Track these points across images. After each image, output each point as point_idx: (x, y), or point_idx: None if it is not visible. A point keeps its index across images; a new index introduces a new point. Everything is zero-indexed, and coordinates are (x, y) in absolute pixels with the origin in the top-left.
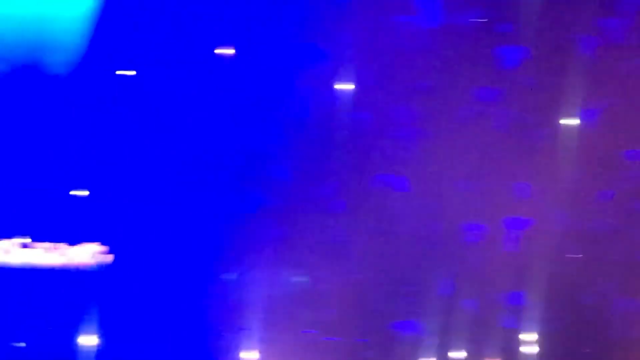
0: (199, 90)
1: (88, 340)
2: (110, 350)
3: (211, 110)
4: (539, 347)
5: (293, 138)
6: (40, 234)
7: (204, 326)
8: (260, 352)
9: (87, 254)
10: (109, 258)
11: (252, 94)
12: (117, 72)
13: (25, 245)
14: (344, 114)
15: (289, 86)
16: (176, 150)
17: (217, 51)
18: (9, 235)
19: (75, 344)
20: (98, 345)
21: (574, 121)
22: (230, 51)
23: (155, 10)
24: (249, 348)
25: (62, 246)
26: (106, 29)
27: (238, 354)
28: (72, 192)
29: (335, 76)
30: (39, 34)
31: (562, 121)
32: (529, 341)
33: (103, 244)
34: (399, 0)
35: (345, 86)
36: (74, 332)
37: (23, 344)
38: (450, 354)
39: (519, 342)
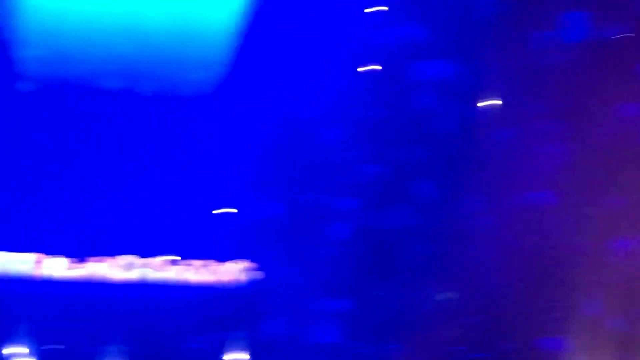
0: (343, 107)
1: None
2: None
3: (357, 127)
4: None
5: (439, 155)
6: (189, 252)
7: (351, 341)
8: None
9: (236, 271)
10: (258, 275)
11: (398, 111)
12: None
13: (175, 263)
14: (490, 130)
15: (435, 103)
16: (322, 168)
17: (361, 69)
18: (158, 253)
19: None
20: None
21: None
22: (376, 67)
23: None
24: None
25: (212, 263)
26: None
27: None
28: (218, 211)
29: (482, 92)
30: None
31: None
32: None
33: (251, 261)
34: (544, 16)
35: (491, 102)
36: (223, 347)
37: None
38: None
39: None
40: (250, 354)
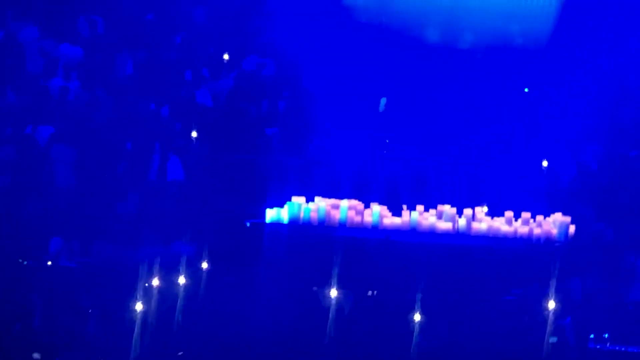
0: None
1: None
2: None
3: None
4: None
5: None
6: (504, 205)
7: None
8: None
9: (552, 224)
10: (572, 229)
11: None
12: None
13: (489, 214)
14: None
15: None
16: None
17: None
18: (476, 205)
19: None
20: None
21: None
22: None
23: None
24: None
25: (526, 216)
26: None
27: None
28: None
29: None
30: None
31: None
32: None
33: (566, 215)
34: None
35: None
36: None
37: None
38: None
39: None
40: (562, 310)
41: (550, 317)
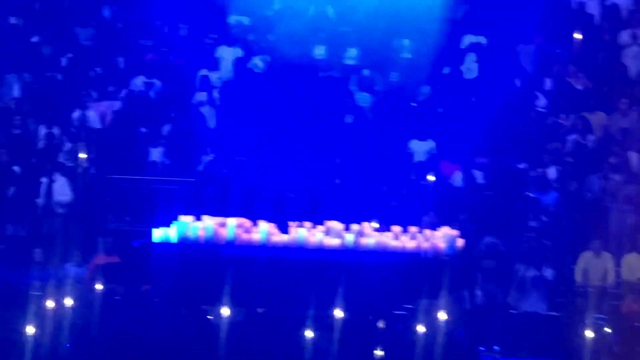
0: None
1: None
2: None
3: (562, 97)
4: None
5: None
6: (391, 219)
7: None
8: None
9: (441, 238)
10: (460, 243)
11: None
12: None
13: (377, 229)
14: None
15: None
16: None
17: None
18: (361, 220)
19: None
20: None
21: None
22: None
23: None
24: None
25: (414, 230)
26: None
27: None
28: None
29: None
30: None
31: None
32: None
33: (454, 228)
34: None
35: None
36: (424, 314)
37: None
38: None
39: None
40: (452, 323)
41: (442, 329)
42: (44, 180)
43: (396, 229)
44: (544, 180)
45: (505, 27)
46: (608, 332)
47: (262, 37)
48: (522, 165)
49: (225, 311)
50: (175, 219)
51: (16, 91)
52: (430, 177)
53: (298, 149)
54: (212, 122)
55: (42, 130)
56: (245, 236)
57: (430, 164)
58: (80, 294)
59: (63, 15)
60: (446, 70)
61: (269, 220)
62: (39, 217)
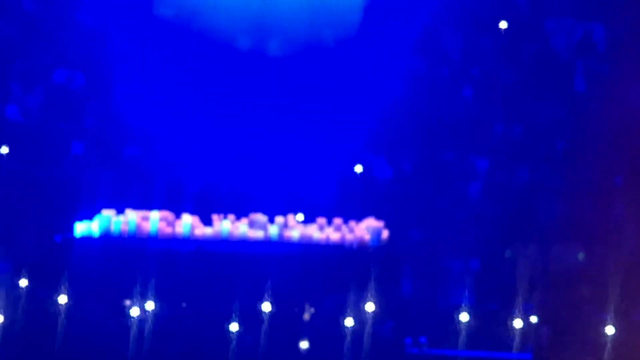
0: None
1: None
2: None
3: (489, 85)
4: None
5: (574, 112)
6: (316, 211)
7: (480, 302)
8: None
9: (365, 229)
10: (385, 234)
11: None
12: None
13: (301, 221)
14: (622, 88)
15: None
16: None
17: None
18: (287, 212)
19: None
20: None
21: None
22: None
23: None
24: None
25: (338, 222)
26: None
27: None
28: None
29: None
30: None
31: None
32: None
33: (379, 219)
34: None
35: None
36: (349, 307)
37: None
38: None
39: None
40: (378, 315)
41: (368, 322)
42: None
43: (321, 220)
44: (470, 170)
45: (432, 15)
46: (536, 323)
47: (187, 29)
48: (448, 155)
49: (149, 306)
50: (98, 212)
51: None
52: (357, 168)
53: (221, 140)
54: (135, 115)
55: None
56: (168, 229)
57: (356, 154)
58: (3, 291)
59: None
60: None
61: (192, 212)
62: None
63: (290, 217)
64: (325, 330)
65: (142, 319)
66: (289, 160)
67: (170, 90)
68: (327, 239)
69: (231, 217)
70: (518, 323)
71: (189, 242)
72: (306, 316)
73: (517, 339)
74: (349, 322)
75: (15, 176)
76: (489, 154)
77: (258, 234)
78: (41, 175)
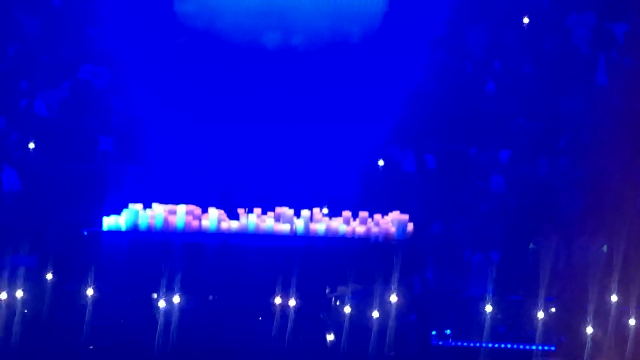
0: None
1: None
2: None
3: (511, 80)
4: None
5: (596, 106)
6: (341, 205)
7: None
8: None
9: (390, 223)
10: (410, 227)
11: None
12: None
13: (326, 215)
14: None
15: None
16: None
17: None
18: (313, 206)
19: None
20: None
21: None
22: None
23: None
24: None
25: (364, 215)
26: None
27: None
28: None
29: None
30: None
31: None
32: None
33: (404, 213)
34: None
35: None
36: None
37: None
38: None
39: None
40: (403, 308)
41: (393, 314)
42: None
43: (346, 214)
44: (493, 164)
45: (452, 11)
46: (558, 314)
47: (210, 24)
48: (472, 149)
49: (176, 299)
50: (126, 207)
51: None
52: (380, 162)
53: (248, 135)
54: (161, 111)
55: None
56: (195, 223)
57: (380, 148)
58: (31, 285)
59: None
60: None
61: (219, 207)
62: None
63: (316, 210)
64: (351, 323)
65: (168, 312)
66: (314, 154)
67: (195, 87)
68: (353, 232)
69: (257, 211)
70: (541, 315)
71: (216, 236)
72: (337, 303)
73: (540, 331)
74: (375, 314)
75: (43, 171)
76: (511, 147)
77: (284, 228)
78: (69, 170)
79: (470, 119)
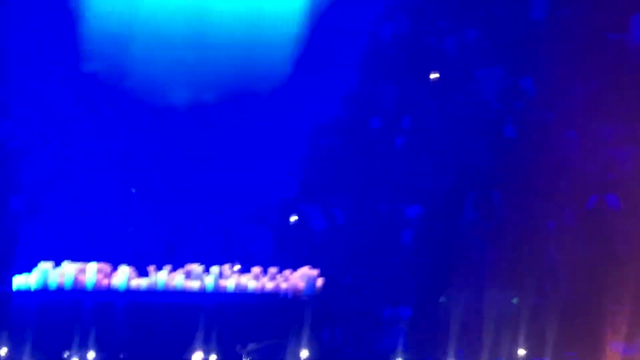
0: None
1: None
2: None
3: (421, 135)
4: None
5: (504, 159)
6: (251, 261)
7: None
8: None
9: (299, 278)
10: (320, 282)
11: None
12: None
13: (236, 271)
14: (552, 134)
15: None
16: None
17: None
18: (224, 262)
19: None
20: None
21: None
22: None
23: None
24: None
25: (273, 271)
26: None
27: None
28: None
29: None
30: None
31: None
32: None
33: (314, 268)
34: (612, 19)
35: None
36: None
37: None
38: None
39: None
40: None
41: None
42: None
43: (256, 269)
44: (403, 219)
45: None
46: None
47: (118, 83)
48: (384, 205)
49: (89, 357)
50: (36, 265)
51: None
52: (292, 218)
53: (158, 191)
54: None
55: None
56: (105, 281)
57: (290, 204)
58: None
59: None
60: None
61: (129, 264)
62: None
63: (225, 267)
64: None
65: None
66: (224, 210)
67: (103, 143)
68: (263, 288)
69: (167, 267)
70: None
71: (126, 294)
72: None
73: None
74: None
75: None
76: (420, 202)
77: (194, 285)
78: None
79: (380, 175)
